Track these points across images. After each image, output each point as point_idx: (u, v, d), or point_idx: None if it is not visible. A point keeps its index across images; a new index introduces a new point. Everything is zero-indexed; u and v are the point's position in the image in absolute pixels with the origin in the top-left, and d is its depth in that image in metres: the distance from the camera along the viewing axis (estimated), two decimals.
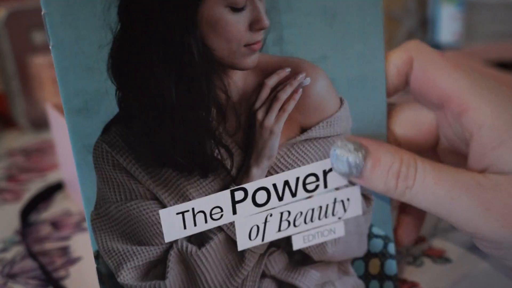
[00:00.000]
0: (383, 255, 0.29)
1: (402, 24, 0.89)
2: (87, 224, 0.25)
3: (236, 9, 0.23)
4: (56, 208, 0.47)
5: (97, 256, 0.25)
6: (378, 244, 0.29)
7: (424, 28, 0.91)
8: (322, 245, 0.28)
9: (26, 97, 0.66)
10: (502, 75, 0.62)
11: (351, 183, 0.27)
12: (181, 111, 0.23)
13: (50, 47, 0.22)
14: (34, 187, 0.51)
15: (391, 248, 0.29)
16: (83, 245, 0.41)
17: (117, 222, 0.25)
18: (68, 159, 0.45)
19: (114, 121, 0.23)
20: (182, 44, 0.23)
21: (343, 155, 0.25)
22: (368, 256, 0.29)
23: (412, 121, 0.28)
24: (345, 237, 0.28)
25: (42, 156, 0.60)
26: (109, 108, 0.23)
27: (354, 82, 0.26)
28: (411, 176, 0.24)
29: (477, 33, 0.85)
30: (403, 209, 0.30)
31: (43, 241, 0.42)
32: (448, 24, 0.87)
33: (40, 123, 0.66)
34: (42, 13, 0.22)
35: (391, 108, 0.28)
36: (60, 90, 0.22)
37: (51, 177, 0.53)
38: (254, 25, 0.24)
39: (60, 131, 0.45)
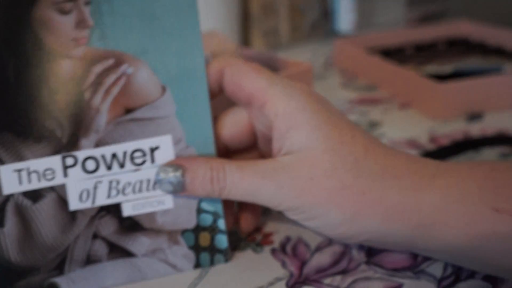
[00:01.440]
0: (212, 230, 0.32)
1: (305, 15, 0.97)
2: None
3: (63, 12, 0.30)
4: None
5: None
6: (207, 219, 0.32)
7: (326, 19, 1.00)
8: (151, 214, 0.31)
9: None
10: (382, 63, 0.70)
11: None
12: (19, 87, 0.30)
13: None
14: None
15: (221, 224, 0.32)
16: None
17: None
18: None
19: None
20: (20, 36, 0.30)
21: (164, 178, 0.30)
22: (198, 229, 0.32)
23: (232, 123, 0.33)
24: (174, 209, 0.31)
25: None
26: None
27: (175, 73, 0.31)
28: (222, 178, 0.30)
29: (369, 22, 0.95)
30: (240, 203, 0.34)
31: None
32: (345, 14, 0.97)
33: None
34: None
35: (215, 116, 0.33)
36: None
37: None
38: (79, 24, 0.30)
39: None
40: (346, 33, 0.96)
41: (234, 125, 0.33)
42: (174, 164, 0.30)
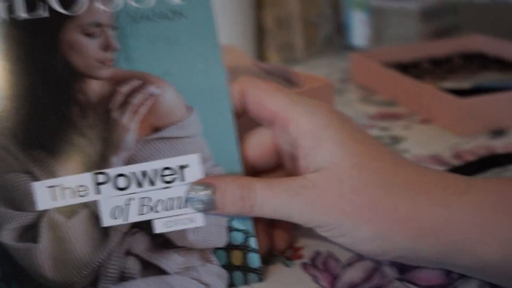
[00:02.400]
0: (244, 248, 0.32)
1: (319, 29, 0.98)
2: None
3: (90, 35, 0.31)
4: None
5: None
6: (238, 237, 0.32)
7: (339, 33, 1.01)
8: (182, 232, 0.32)
9: None
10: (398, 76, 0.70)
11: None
12: (50, 107, 0.31)
13: None
14: None
15: (252, 242, 0.32)
16: None
17: (1, 188, 0.31)
18: None
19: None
20: (49, 59, 0.31)
21: (195, 196, 0.31)
22: (230, 247, 0.32)
23: (257, 143, 0.34)
24: (205, 227, 0.32)
25: None
26: None
27: (199, 94, 0.32)
28: (252, 196, 0.30)
29: (383, 36, 0.96)
30: (272, 221, 0.34)
31: None
32: (359, 29, 0.97)
33: None
34: None
35: (241, 136, 0.34)
36: None
37: None
38: (106, 47, 0.32)
39: None
40: (360, 47, 0.97)
41: (259, 145, 0.34)
42: (204, 183, 0.31)
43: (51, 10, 0.31)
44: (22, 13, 0.31)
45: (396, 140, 0.54)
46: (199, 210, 0.31)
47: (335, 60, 0.93)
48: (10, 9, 0.31)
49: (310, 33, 0.96)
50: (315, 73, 0.86)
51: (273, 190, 0.30)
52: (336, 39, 1.00)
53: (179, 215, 0.32)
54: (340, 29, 1.00)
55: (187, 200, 0.31)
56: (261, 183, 0.30)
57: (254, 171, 0.34)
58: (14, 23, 0.31)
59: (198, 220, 0.32)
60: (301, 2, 0.94)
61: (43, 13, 0.31)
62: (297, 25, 0.95)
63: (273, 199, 0.30)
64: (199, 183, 0.31)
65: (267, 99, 0.32)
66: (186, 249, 0.32)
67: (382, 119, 0.61)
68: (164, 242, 0.32)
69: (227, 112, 0.33)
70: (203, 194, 0.31)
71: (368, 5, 0.95)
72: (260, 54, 0.96)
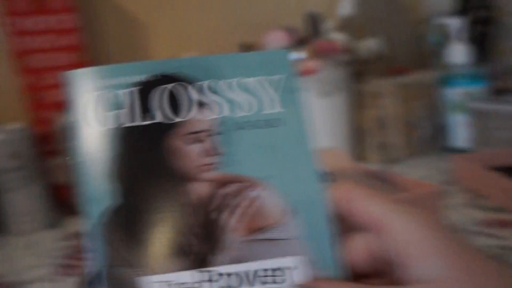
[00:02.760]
0: None
1: (418, 130, 0.98)
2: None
3: (194, 142, 0.34)
4: None
5: None
6: None
7: (438, 134, 1.00)
8: None
9: None
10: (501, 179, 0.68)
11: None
12: (154, 209, 0.33)
13: (71, 162, 0.34)
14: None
15: None
16: None
17: (114, 281, 0.32)
18: None
19: (113, 209, 0.33)
20: (155, 163, 0.33)
21: None
22: None
23: (356, 248, 0.34)
24: None
25: None
26: (109, 200, 0.33)
27: (297, 198, 0.34)
28: None
29: (487, 139, 0.94)
30: None
31: None
32: (460, 130, 0.96)
33: None
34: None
35: (339, 240, 0.34)
36: (79, 189, 0.33)
37: None
38: (209, 152, 0.34)
39: None
40: (462, 149, 0.95)
41: (357, 250, 0.34)
42: (305, 285, 0.31)
43: (158, 118, 0.34)
44: (134, 121, 0.34)
45: (506, 250, 0.51)
46: None
47: (433, 161, 0.92)
48: (124, 117, 0.34)
49: (409, 133, 0.97)
50: (413, 174, 0.86)
51: None
52: (435, 140, 0.99)
53: None
54: (439, 130, 0.99)
55: None
56: None
57: (354, 275, 0.34)
58: (127, 130, 0.33)
59: None
60: (400, 104, 0.95)
61: (150, 120, 0.34)
62: (396, 125, 0.96)
63: None
64: (301, 285, 0.32)
65: (361, 206, 0.32)
66: None
67: (490, 226, 0.58)
68: None
69: (322, 216, 0.33)
70: None
71: (469, 107, 0.94)
72: (359, 153, 0.97)
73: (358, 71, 1.02)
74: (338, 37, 0.97)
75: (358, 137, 0.98)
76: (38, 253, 0.66)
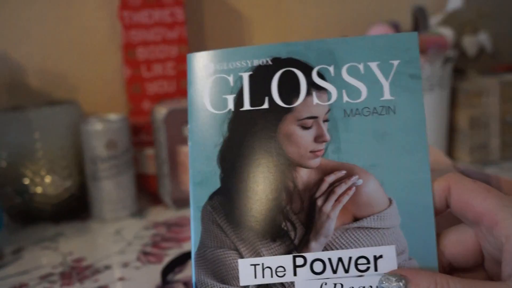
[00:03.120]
0: None
1: None
2: (192, 261, 0.34)
3: (305, 127, 0.34)
4: (189, 271, 0.57)
5: (196, 286, 0.33)
6: None
7: None
8: None
9: (173, 179, 0.79)
10: None
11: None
12: (261, 193, 0.34)
13: (188, 144, 0.35)
14: (173, 253, 0.62)
15: None
16: None
17: (209, 262, 0.33)
18: None
19: (217, 192, 0.34)
20: (266, 147, 0.34)
21: (387, 286, 0.31)
22: None
23: (457, 240, 0.33)
24: None
25: (180, 228, 0.71)
26: (215, 184, 0.34)
27: (402, 187, 0.33)
28: None
29: None
30: None
31: None
32: None
33: (181, 202, 0.79)
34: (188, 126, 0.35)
35: (438, 232, 0.33)
36: (189, 170, 0.34)
37: (186, 246, 0.64)
38: (318, 138, 0.34)
39: None
40: None
41: (459, 242, 0.33)
42: (398, 274, 0.31)
43: (272, 103, 0.34)
44: (247, 104, 0.35)
45: None
46: None
47: None
48: (238, 102, 0.35)
49: (507, 134, 0.90)
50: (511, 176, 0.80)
51: None
52: None
53: None
54: None
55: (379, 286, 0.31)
56: (455, 282, 0.29)
57: (450, 268, 0.33)
58: (239, 113, 0.35)
59: None
60: (500, 103, 0.89)
61: (265, 105, 0.34)
62: (494, 125, 0.89)
63: None
64: (393, 273, 0.31)
65: (473, 198, 0.31)
66: None
67: None
68: None
69: (428, 207, 0.32)
70: (395, 285, 0.30)
71: None
72: (450, 154, 0.91)
73: (460, 67, 0.96)
74: (445, 32, 0.92)
75: (451, 136, 0.92)
76: (122, 240, 0.69)
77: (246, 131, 0.34)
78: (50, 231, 0.74)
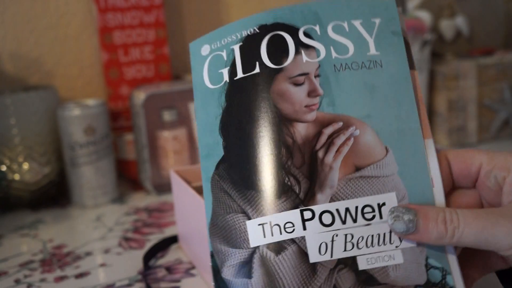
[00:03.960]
0: (443, 286, 0.32)
1: (497, 114, 0.92)
2: (206, 231, 0.34)
3: (297, 84, 0.35)
4: (170, 257, 0.57)
5: (212, 255, 0.34)
6: (436, 275, 0.32)
7: None
8: (384, 269, 0.32)
9: (153, 164, 0.78)
10: None
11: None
12: (260, 151, 0.34)
13: (195, 121, 0.36)
14: (154, 238, 0.62)
15: (450, 280, 0.32)
16: (191, 287, 0.49)
17: (221, 229, 0.34)
18: (184, 217, 0.55)
19: (221, 161, 0.35)
20: (261, 108, 0.35)
21: (399, 216, 0.31)
22: (429, 285, 0.32)
23: (462, 203, 0.35)
24: (404, 264, 0.32)
25: (161, 214, 0.71)
26: (219, 153, 0.35)
27: (395, 136, 0.34)
28: (455, 218, 0.30)
29: None
30: (463, 262, 0.34)
31: (159, 282, 0.51)
32: None
33: (162, 187, 0.78)
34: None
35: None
36: (198, 145, 0.36)
37: (168, 232, 0.64)
38: (311, 93, 0.35)
39: (180, 193, 0.55)
40: None
41: (463, 205, 0.35)
42: (406, 206, 0.32)
43: (262, 66, 0.35)
44: (240, 72, 0.36)
45: None
46: (401, 232, 0.32)
47: (510, 146, 0.86)
48: (232, 72, 0.36)
49: (488, 116, 0.91)
50: None
51: (477, 213, 0.30)
52: None
53: (380, 252, 0.32)
54: None
55: (389, 221, 0.32)
56: (463, 211, 0.31)
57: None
58: (234, 83, 0.36)
59: (397, 257, 0.32)
60: (477, 86, 0.90)
61: (257, 69, 0.35)
62: (471, 108, 0.90)
63: (477, 220, 0.30)
64: (401, 206, 0.32)
65: (468, 155, 0.34)
66: (388, 286, 0.32)
67: None
68: (367, 279, 0.32)
69: (421, 153, 0.34)
70: (406, 215, 0.31)
71: None
72: None
73: (438, 51, 0.97)
74: (422, 16, 0.92)
75: (429, 119, 0.93)
76: (103, 226, 0.68)
77: (241, 97, 0.35)
78: (29, 218, 0.73)
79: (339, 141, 0.34)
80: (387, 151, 0.34)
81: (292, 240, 0.32)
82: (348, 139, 0.34)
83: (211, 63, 0.37)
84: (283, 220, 0.33)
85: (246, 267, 0.33)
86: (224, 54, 0.36)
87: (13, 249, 0.62)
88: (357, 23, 0.36)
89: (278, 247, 0.33)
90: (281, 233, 0.33)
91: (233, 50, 0.36)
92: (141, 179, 0.81)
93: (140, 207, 0.74)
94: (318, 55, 0.35)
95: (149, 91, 0.77)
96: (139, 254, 0.57)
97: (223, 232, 0.34)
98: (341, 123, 0.34)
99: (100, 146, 0.75)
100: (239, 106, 0.35)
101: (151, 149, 0.78)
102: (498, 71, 0.91)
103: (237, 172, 0.34)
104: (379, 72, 0.35)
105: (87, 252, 0.59)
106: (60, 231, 0.67)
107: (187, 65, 0.98)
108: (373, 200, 0.33)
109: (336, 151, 0.33)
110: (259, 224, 0.33)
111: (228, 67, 0.36)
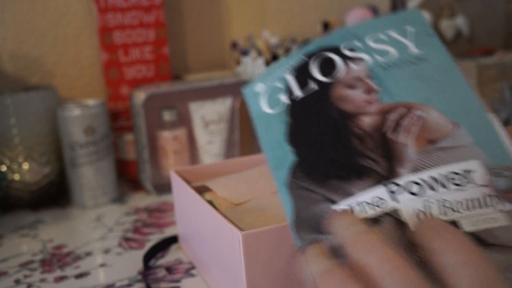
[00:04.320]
0: None
1: (498, 114, 0.92)
2: (289, 226, 0.35)
3: (352, 87, 0.38)
4: (170, 257, 0.57)
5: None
6: None
7: None
8: (491, 231, 0.32)
9: (153, 164, 0.78)
10: None
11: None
12: (334, 145, 0.36)
13: (260, 144, 0.39)
14: (154, 238, 0.62)
15: None
16: (191, 287, 0.49)
17: (307, 221, 0.35)
18: (184, 217, 0.55)
19: (296, 166, 0.37)
20: (325, 112, 0.38)
21: (500, 173, 0.32)
22: None
23: None
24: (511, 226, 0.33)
25: (161, 214, 0.71)
26: (289, 161, 0.37)
27: (461, 113, 0.35)
28: None
29: None
30: None
31: (159, 282, 0.51)
32: None
33: (162, 187, 0.78)
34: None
35: None
36: (267, 161, 0.38)
37: (168, 232, 0.64)
38: (368, 91, 0.37)
39: (180, 193, 0.55)
40: None
41: None
42: (504, 166, 0.33)
43: (319, 83, 0.39)
44: (298, 93, 0.39)
45: None
46: (502, 188, 0.32)
47: None
48: (290, 93, 0.39)
49: None
50: None
51: None
52: None
53: (482, 215, 0.33)
54: None
55: (493, 179, 0.33)
56: None
57: None
58: (294, 101, 0.39)
59: (501, 219, 0.33)
60: (477, 86, 0.90)
61: (314, 87, 0.39)
62: None
63: None
64: (500, 165, 0.33)
65: None
66: (502, 247, 0.32)
67: None
68: (475, 241, 0.32)
69: (490, 126, 0.35)
70: (506, 172, 0.32)
71: None
72: None
73: None
74: None
75: None
76: (103, 226, 0.68)
77: (305, 110, 0.38)
78: (29, 218, 0.73)
79: (406, 122, 0.35)
80: (456, 125, 0.35)
81: (387, 214, 0.33)
82: (414, 119, 0.35)
83: (268, 93, 0.40)
84: (370, 196, 0.34)
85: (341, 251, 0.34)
86: (278, 84, 0.40)
87: (13, 249, 0.62)
88: (392, 32, 0.39)
89: (374, 223, 0.33)
90: (371, 209, 0.33)
91: (286, 79, 0.40)
92: (141, 179, 0.81)
93: (140, 207, 0.74)
94: (365, 62, 0.38)
95: (149, 91, 0.76)
96: (139, 254, 0.57)
97: (310, 222, 0.35)
98: (403, 108, 0.36)
99: (100, 146, 0.75)
100: (305, 117, 0.38)
101: (151, 149, 0.77)
102: (498, 71, 0.91)
103: (314, 170, 0.36)
104: (426, 66, 0.37)
105: (87, 252, 0.59)
106: (60, 231, 0.67)
107: (187, 65, 0.99)
108: (458, 167, 0.34)
109: (406, 131, 0.35)
110: (347, 205, 0.34)
111: (285, 92, 0.39)
